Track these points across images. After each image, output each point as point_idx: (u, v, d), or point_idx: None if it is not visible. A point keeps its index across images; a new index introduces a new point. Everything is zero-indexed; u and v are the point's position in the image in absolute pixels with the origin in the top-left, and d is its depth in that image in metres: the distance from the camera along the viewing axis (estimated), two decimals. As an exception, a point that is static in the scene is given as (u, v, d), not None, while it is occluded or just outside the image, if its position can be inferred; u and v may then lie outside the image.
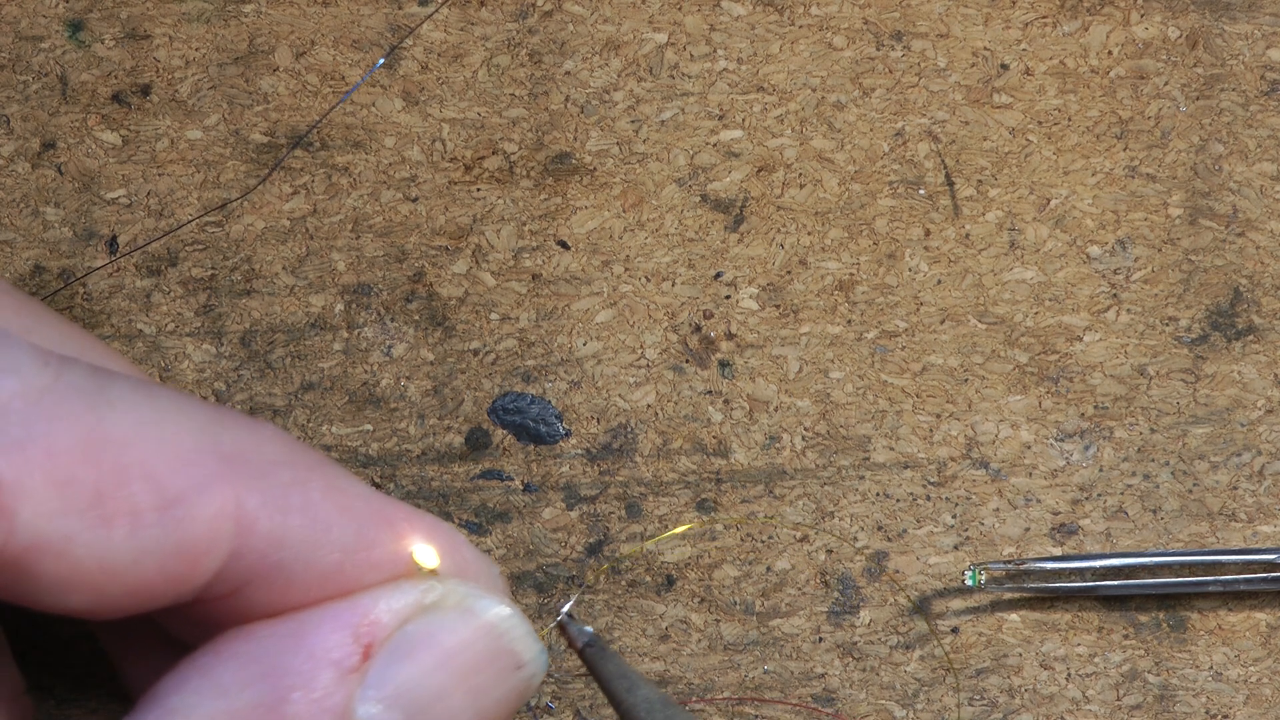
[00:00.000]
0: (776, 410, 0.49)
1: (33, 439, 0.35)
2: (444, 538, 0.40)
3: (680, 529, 0.48)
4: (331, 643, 0.38)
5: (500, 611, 0.39)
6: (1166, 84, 0.50)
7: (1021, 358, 0.49)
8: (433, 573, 0.39)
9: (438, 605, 0.39)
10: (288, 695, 0.37)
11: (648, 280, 0.49)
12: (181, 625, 0.40)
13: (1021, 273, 0.49)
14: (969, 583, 0.47)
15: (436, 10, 0.50)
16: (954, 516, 0.48)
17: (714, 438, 0.49)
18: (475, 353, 0.49)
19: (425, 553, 0.39)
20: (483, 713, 0.39)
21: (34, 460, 0.35)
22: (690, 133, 0.50)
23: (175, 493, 0.36)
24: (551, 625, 0.43)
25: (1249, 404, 0.49)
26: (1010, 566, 0.47)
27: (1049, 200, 0.50)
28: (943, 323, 0.49)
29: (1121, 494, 0.49)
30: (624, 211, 0.50)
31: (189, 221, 0.49)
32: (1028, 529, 0.48)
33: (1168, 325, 0.49)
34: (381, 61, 0.50)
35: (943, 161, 0.50)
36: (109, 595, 0.37)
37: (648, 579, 0.48)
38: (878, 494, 0.48)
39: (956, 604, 0.48)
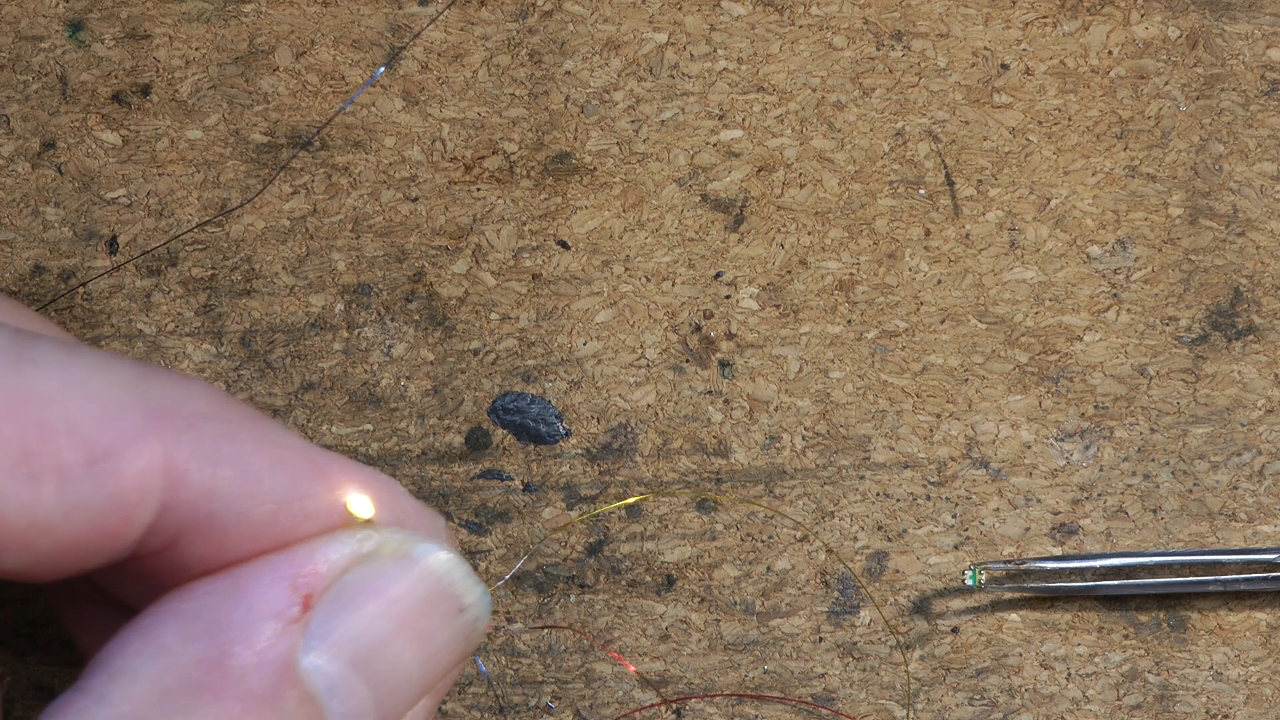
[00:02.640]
0: (776, 410, 0.49)
1: None
2: (380, 488, 0.39)
3: (632, 499, 0.48)
4: (270, 595, 0.37)
5: (438, 556, 0.39)
6: (1166, 84, 0.50)
7: (1021, 358, 0.49)
8: (369, 522, 0.39)
9: (375, 554, 0.39)
10: (230, 649, 0.37)
11: (648, 280, 0.49)
12: (128, 589, 0.40)
13: (1021, 273, 0.49)
14: (969, 583, 0.47)
15: (440, 14, 0.50)
16: (954, 516, 0.48)
17: (714, 437, 0.49)
18: (475, 353, 0.49)
19: (360, 503, 0.39)
20: (430, 658, 0.39)
21: None
22: (690, 133, 0.50)
23: (102, 448, 0.36)
24: None
25: (1249, 404, 0.49)
26: (1010, 566, 0.47)
27: (1049, 200, 0.50)
28: (943, 323, 0.49)
29: (1121, 494, 0.48)
30: (624, 211, 0.50)
31: (191, 229, 0.49)
32: (1028, 529, 0.48)
33: (1168, 325, 0.49)
34: (380, 72, 0.50)
35: (943, 161, 0.50)
36: (42, 554, 0.36)
37: (648, 579, 0.48)
38: (878, 494, 0.48)
39: (956, 604, 0.48)
